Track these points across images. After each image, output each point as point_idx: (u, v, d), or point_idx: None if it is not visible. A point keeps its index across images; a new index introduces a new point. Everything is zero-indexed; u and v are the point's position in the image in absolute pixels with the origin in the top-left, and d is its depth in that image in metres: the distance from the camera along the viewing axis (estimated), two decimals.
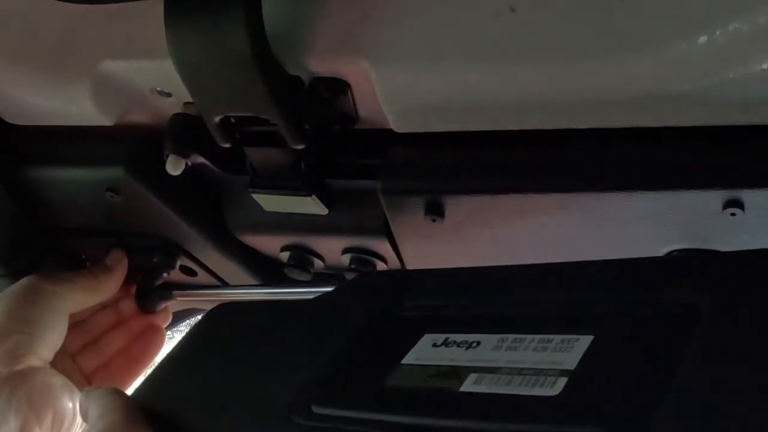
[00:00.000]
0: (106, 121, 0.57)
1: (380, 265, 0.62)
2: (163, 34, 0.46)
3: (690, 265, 0.40)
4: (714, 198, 0.46)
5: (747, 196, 0.45)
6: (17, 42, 0.55)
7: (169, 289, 0.72)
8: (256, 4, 0.45)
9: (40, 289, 0.63)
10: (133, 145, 0.60)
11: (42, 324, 0.62)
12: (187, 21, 0.46)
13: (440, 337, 0.43)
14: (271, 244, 0.65)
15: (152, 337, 0.73)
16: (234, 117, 0.51)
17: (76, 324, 0.68)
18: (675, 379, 0.33)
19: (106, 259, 0.68)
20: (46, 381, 0.60)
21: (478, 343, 0.41)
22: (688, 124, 0.45)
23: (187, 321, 0.89)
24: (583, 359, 0.37)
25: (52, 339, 0.62)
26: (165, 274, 0.71)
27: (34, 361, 0.60)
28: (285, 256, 0.65)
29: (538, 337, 0.40)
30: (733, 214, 0.46)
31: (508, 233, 0.54)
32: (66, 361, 0.66)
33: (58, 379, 0.61)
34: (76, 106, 0.56)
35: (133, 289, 0.72)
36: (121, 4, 0.47)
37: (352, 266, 0.62)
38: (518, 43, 0.43)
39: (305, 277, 0.65)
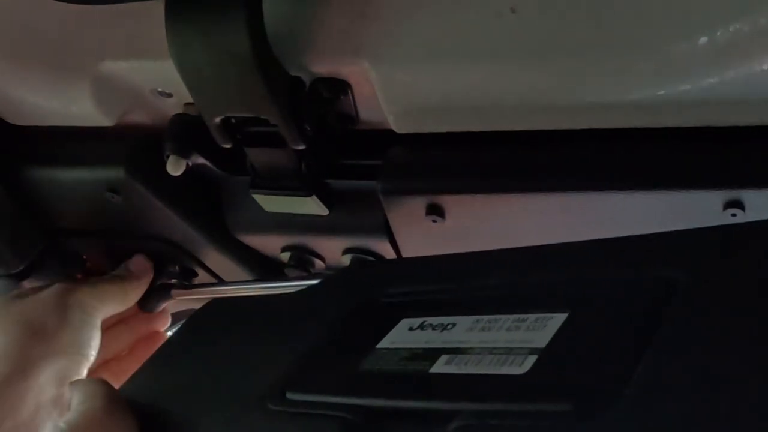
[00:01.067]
0: (107, 122, 0.57)
1: None
2: (163, 34, 0.46)
3: (668, 241, 0.39)
4: (714, 198, 0.46)
5: (747, 196, 0.45)
6: (17, 42, 0.55)
7: (168, 289, 0.72)
8: (257, 5, 0.45)
9: (85, 306, 0.63)
10: (133, 145, 0.60)
11: (90, 346, 0.62)
12: (187, 21, 0.46)
13: (417, 321, 0.43)
14: (271, 245, 0.65)
15: (156, 341, 0.73)
16: (235, 117, 0.51)
17: None
18: (645, 357, 0.33)
19: (130, 264, 0.68)
20: None
21: (454, 325, 0.41)
22: (688, 124, 0.45)
23: None
24: (554, 337, 0.37)
25: (93, 358, 0.63)
26: (165, 274, 0.72)
27: None
28: (286, 256, 0.65)
29: (513, 317, 0.39)
30: (733, 215, 0.46)
31: (508, 233, 0.54)
32: None
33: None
34: (76, 106, 0.56)
35: None
36: (121, 4, 0.47)
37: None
38: (519, 44, 0.44)
39: None
